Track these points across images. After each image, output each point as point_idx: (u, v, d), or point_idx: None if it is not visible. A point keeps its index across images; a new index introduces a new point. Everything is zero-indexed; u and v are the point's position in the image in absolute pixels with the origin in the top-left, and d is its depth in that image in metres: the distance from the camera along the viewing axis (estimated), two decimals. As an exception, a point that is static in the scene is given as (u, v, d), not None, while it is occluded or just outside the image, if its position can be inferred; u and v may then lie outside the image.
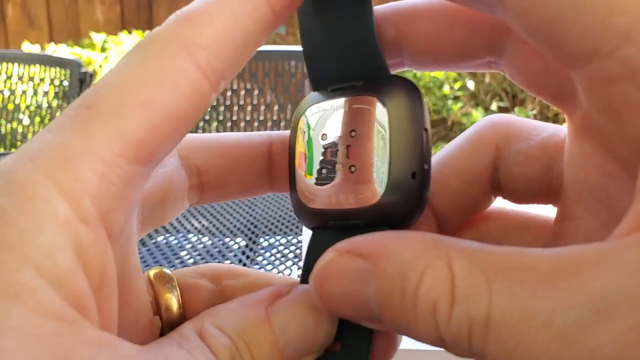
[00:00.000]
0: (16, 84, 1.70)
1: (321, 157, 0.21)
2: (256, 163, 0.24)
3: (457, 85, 2.63)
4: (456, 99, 2.65)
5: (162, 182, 0.22)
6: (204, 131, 1.57)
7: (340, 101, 0.21)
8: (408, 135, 0.20)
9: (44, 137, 0.16)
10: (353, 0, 0.21)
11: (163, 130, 0.17)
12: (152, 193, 0.22)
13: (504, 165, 0.22)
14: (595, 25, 0.15)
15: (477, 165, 0.22)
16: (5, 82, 1.70)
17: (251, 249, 0.84)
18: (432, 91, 2.61)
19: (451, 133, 2.59)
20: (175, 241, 0.86)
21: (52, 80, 1.67)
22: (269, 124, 1.57)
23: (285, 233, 0.87)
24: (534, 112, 2.55)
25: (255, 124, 1.57)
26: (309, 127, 0.22)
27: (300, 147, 0.22)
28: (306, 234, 0.23)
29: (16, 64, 1.71)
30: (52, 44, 2.88)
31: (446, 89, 2.61)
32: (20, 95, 1.69)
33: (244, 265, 0.79)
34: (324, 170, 0.21)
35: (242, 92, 1.56)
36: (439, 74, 2.59)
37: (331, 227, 0.21)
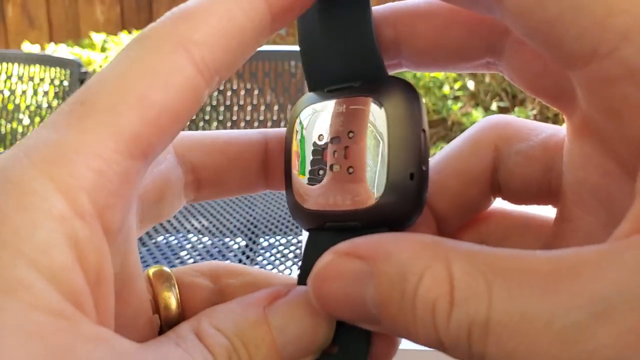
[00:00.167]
0: (16, 84, 1.69)
1: (318, 158, 0.21)
2: (252, 160, 0.24)
3: (457, 85, 2.63)
4: (456, 99, 2.65)
5: (158, 179, 0.22)
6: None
7: (338, 102, 0.21)
8: (406, 136, 0.20)
9: (40, 133, 0.16)
10: (352, 1, 0.21)
11: (158, 126, 0.17)
12: (149, 190, 0.22)
13: (503, 166, 0.22)
14: (593, 25, 0.15)
15: (477, 166, 0.22)
16: (5, 82, 1.70)
17: (251, 249, 0.84)
18: (432, 91, 2.61)
19: (451, 133, 2.59)
20: (175, 241, 0.86)
21: (52, 80, 1.67)
22: (269, 124, 1.57)
23: (285, 233, 0.87)
24: (534, 112, 2.55)
25: (255, 124, 1.57)
26: (305, 128, 0.22)
27: (296, 148, 0.22)
28: (306, 234, 0.23)
29: (16, 64, 1.71)
30: (52, 44, 2.87)
31: (446, 89, 2.61)
32: (20, 95, 1.69)
33: (244, 265, 0.79)
34: (321, 171, 0.21)
35: (242, 92, 1.56)
36: (439, 74, 2.59)
37: (328, 228, 0.21)
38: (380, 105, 0.20)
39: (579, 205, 0.20)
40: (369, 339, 0.20)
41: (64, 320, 0.14)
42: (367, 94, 0.20)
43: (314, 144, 0.21)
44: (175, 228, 0.92)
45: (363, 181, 0.20)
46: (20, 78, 1.70)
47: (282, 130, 0.24)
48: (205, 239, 0.88)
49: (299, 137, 0.22)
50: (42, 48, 2.82)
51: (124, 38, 2.76)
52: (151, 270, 0.23)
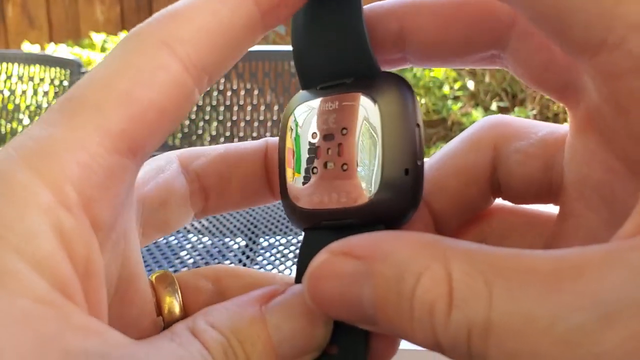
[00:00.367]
0: (16, 84, 1.69)
1: (312, 156, 0.21)
2: (253, 166, 0.24)
3: (457, 85, 2.62)
4: (456, 99, 2.64)
5: (162, 185, 0.22)
6: (203, 131, 1.57)
7: (331, 99, 0.21)
8: (401, 131, 0.19)
9: (30, 130, 0.16)
10: None
11: (144, 122, 0.17)
12: (152, 195, 0.22)
13: (503, 164, 0.22)
14: (602, 13, 0.15)
15: (476, 165, 0.22)
16: (5, 82, 1.70)
17: (251, 249, 0.84)
18: (432, 91, 2.61)
19: (451, 133, 2.59)
20: (175, 241, 0.86)
21: (52, 80, 1.66)
22: (269, 124, 1.57)
23: (285, 233, 0.87)
24: (534, 112, 2.55)
25: (255, 124, 1.57)
26: (298, 126, 0.22)
27: (290, 147, 0.22)
28: (306, 234, 0.23)
29: (16, 64, 1.71)
30: (52, 44, 2.87)
31: (446, 89, 2.61)
32: (20, 95, 1.69)
33: (244, 265, 0.79)
34: (315, 169, 0.21)
35: (242, 92, 1.56)
36: (439, 74, 2.59)
37: (324, 227, 0.21)
38: (374, 101, 0.20)
39: (581, 202, 0.20)
40: (368, 338, 0.20)
41: (53, 309, 0.14)
42: (360, 90, 0.20)
43: (308, 142, 0.21)
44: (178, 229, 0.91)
45: (358, 178, 0.20)
46: (20, 78, 1.69)
47: None
48: (205, 239, 0.88)
49: (292, 135, 0.22)
50: (42, 48, 2.82)
51: (124, 38, 2.75)
52: (154, 275, 0.23)
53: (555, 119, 2.54)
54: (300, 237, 0.23)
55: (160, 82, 0.17)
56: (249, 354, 0.18)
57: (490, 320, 0.14)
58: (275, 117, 1.57)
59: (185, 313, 0.22)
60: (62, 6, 3.11)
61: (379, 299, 0.16)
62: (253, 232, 0.89)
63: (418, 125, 0.20)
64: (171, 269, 0.23)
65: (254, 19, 0.18)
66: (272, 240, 0.86)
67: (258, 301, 0.19)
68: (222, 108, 1.57)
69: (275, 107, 1.58)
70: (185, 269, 0.24)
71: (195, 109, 1.56)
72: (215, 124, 1.57)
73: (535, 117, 2.53)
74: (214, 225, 0.92)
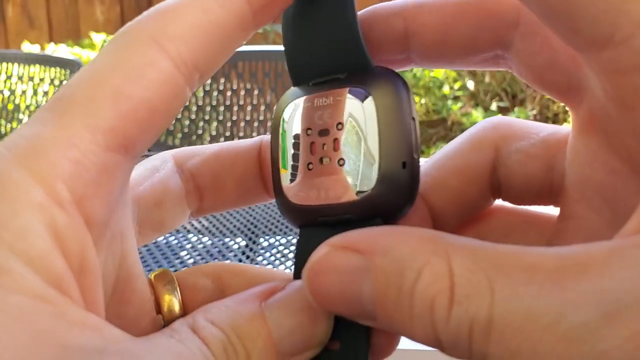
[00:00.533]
0: (16, 84, 1.69)
1: (307, 152, 0.21)
2: (247, 163, 0.24)
3: (457, 85, 2.62)
4: (456, 99, 2.64)
5: (157, 184, 0.22)
6: (203, 131, 1.57)
7: (324, 94, 0.21)
8: (396, 125, 0.19)
9: (21, 129, 0.16)
10: None
11: (136, 119, 0.17)
12: (147, 195, 0.22)
13: (504, 164, 0.22)
14: (610, 9, 0.15)
15: (476, 164, 0.22)
16: (5, 82, 1.70)
17: (251, 249, 0.84)
18: (432, 91, 2.61)
19: (451, 133, 2.59)
20: (175, 241, 0.86)
21: (52, 80, 1.66)
22: (269, 124, 1.57)
23: (285, 233, 0.87)
24: (534, 112, 2.55)
25: (255, 124, 1.57)
26: (291, 123, 0.21)
27: (284, 144, 0.22)
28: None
29: (16, 64, 1.71)
30: (52, 44, 2.87)
31: (446, 89, 2.61)
32: (20, 95, 1.69)
33: (246, 264, 0.79)
34: (310, 165, 0.21)
35: (242, 92, 1.56)
36: (439, 74, 2.58)
37: (320, 223, 0.21)
38: (369, 95, 0.20)
39: (583, 203, 0.20)
40: (370, 334, 0.20)
41: (48, 304, 0.14)
42: (354, 85, 0.20)
43: (303, 138, 0.21)
44: (175, 228, 0.91)
45: (355, 172, 0.20)
46: (20, 78, 1.69)
47: None
48: (205, 239, 0.88)
49: (286, 132, 0.22)
50: (42, 48, 2.82)
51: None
52: (153, 273, 0.23)
53: (555, 119, 2.54)
54: (301, 237, 0.23)
55: (151, 79, 0.17)
56: (249, 351, 0.18)
57: (492, 317, 0.14)
58: (275, 117, 1.57)
59: (185, 311, 0.22)
60: (62, 6, 3.11)
61: (379, 294, 0.16)
62: (253, 232, 0.89)
63: (413, 118, 0.20)
64: (171, 269, 0.23)
65: (245, 16, 0.18)
66: (272, 240, 0.86)
67: (258, 298, 0.19)
68: (222, 108, 1.57)
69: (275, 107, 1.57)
70: (185, 269, 0.24)
71: (195, 109, 1.56)
72: (215, 124, 1.57)
73: (535, 117, 2.53)
74: (214, 225, 0.92)
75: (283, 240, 0.85)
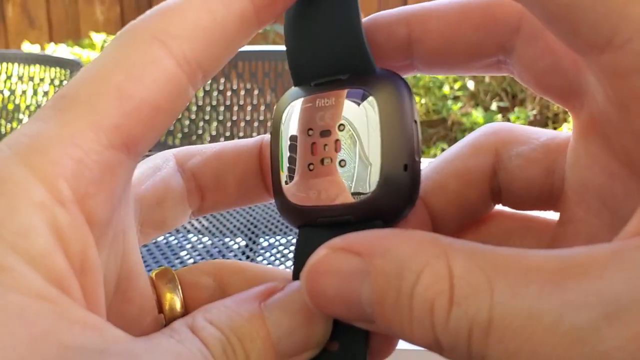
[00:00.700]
0: (16, 84, 1.69)
1: (308, 153, 0.21)
2: (248, 163, 0.24)
3: (457, 85, 2.62)
4: (456, 99, 2.64)
5: (158, 183, 0.22)
6: (203, 131, 1.57)
7: (327, 95, 0.21)
8: (398, 127, 0.19)
9: (23, 127, 0.16)
10: None
11: (139, 118, 0.17)
12: (149, 194, 0.22)
13: (504, 169, 0.22)
14: (610, 13, 0.15)
15: (476, 168, 0.22)
16: (5, 82, 1.70)
17: (251, 249, 0.84)
18: (432, 91, 2.61)
19: (451, 133, 2.59)
20: (175, 241, 0.86)
21: (52, 80, 1.66)
22: (269, 124, 1.57)
23: (285, 233, 0.87)
24: (534, 112, 2.55)
25: (255, 124, 1.57)
26: (292, 123, 0.21)
27: (284, 144, 0.22)
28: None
29: (16, 64, 1.71)
30: (52, 44, 2.87)
31: (446, 89, 2.61)
32: (20, 95, 1.69)
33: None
34: (311, 166, 0.21)
35: (242, 92, 1.56)
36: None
37: (320, 224, 0.21)
38: (371, 96, 0.20)
39: (582, 207, 0.20)
40: (368, 335, 0.20)
41: (48, 303, 0.14)
42: (357, 86, 0.20)
43: (304, 139, 0.21)
44: (175, 228, 0.91)
45: (356, 174, 0.20)
46: (20, 78, 1.69)
47: None
48: (205, 239, 0.88)
49: (286, 132, 0.22)
50: (42, 48, 2.82)
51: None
52: (154, 272, 0.23)
53: (555, 119, 2.54)
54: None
55: (153, 77, 0.17)
56: (248, 351, 0.18)
57: (492, 317, 0.14)
58: (275, 117, 1.57)
59: (187, 310, 0.22)
60: (62, 6, 3.11)
61: (378, 296, 0.16)
62: (253, 232, 0.89)
63: (415, 121, 0.20)
64: (173, 269, 0.23)
65: (249, 15, 0.18)
66: (272, 240, 0.86)
67: (257, 298, 0.19)
68: (222, 108, 1.57)
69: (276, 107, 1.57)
70: (186, 267, 0.24)
71: (195, 109, 1.56)
72: (215, 124, 1.57)
73: (535, 117, 2.53)
74: (214, 225, 0.92)
75: (283, 240, 0.85)
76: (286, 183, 0.21)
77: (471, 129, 2.42)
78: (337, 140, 0.20)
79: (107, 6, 3.14)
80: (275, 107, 0.23)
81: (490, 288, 0.15)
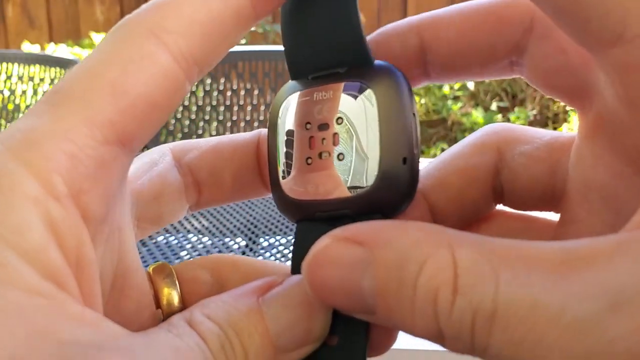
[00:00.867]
0: (16, 84, 1.69)
1: (306, 147, 0.21)
2: (245, 157, 0.24)
3: (457, 85, 2.62)
4: (456, 98, 2.64)
5: (155, 178, 0.22)
6: (204, 131, 1.57)
7: (324, 88, 0.21)
8: (398, 120, 0.19)
9: (18, 122, 0.16)
10: None
11: (133, 114, 0.17)
12: (145, 188, 0.22)
13: (507, 167, 0.22)
14: (618, 7, 0.15)
15: (479, 166, 0.22)
16: (5, 82, 1.70)
17: (251, 249, 0.84)
18: (432, 91, 2.61)
19: (451, 133, 2.59)
20: (175, 241, 0.86)
21: (52, 80, 1.66)
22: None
23: (285, 233, 0.87)
24: (534, 112, 2.55)
25: (255, 124, 1.57)
26: (290, 117, 0.21)
27: (282, 138, 0.21)
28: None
29: (16, 64, 1.71)
30: (52, 44, 2.87)
31: (446, 89, 2.61)
32: (20, 95, 1.69)
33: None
34: (309, 160, 0.20)
35: (242, 92, 1.56)
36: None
37: (317, 218, 0.21)
38: (369, 89, 0.20)
39: (585, 207, 0.20)
40: (368, 329, 0.19)
41: (45, 299, 0.14)
42: (355, 79, 0.20)
43: (301, 132, 0.21)
44: (175, 228, 0.92)
45: (355, 167, 0.20)
46: (20, 78, 1.69)
47: None
48: (205, 239, 0.88)
49: (283, 126, 0.21)
50: (42, 48, 2.82)
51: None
52: (152, 267, 0.23)
53: (555, 119, 2.54)
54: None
55: (149, 72, 0.17)
56: (246, 346, 0.17)
57: (497, 306, 0.14)
58: (275, 117, 1.57)
59: (184, 305, 0.22)
60: (62, 6, 3.11)
61: (380, 287, 0.16)
62: (253, 232, 0.89)
63: (414, 114, 0.20)
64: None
65: (245, 8, 0.18)
66: (272, 240, 0.86)
67: (255, 293, 0.19)
68: (222, 108, 1.57)
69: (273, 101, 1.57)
70: (183, 262, 0.24)
71: (195, 109, 1.56)
72: (215, 124, 1.57)
73: (535, 117, 2.53)
74: (214, 225, 0.92)
75: (283, 240, 0.85)
76: (284, 177, 0.21)
77: (471, 129, 2.42)
78: (335, 134, 0.20)
79: (107, 6, 3.14)
80: (272, 101, 0.22)
81: (495, 277, 0.14)
